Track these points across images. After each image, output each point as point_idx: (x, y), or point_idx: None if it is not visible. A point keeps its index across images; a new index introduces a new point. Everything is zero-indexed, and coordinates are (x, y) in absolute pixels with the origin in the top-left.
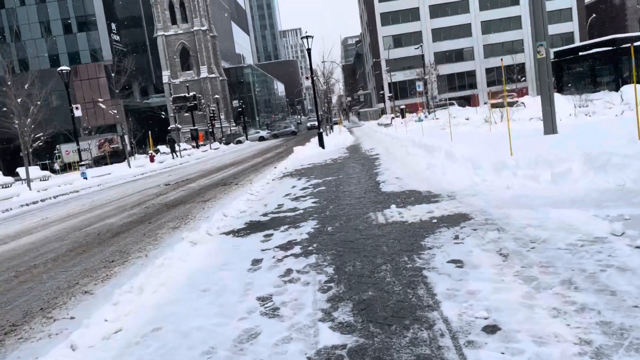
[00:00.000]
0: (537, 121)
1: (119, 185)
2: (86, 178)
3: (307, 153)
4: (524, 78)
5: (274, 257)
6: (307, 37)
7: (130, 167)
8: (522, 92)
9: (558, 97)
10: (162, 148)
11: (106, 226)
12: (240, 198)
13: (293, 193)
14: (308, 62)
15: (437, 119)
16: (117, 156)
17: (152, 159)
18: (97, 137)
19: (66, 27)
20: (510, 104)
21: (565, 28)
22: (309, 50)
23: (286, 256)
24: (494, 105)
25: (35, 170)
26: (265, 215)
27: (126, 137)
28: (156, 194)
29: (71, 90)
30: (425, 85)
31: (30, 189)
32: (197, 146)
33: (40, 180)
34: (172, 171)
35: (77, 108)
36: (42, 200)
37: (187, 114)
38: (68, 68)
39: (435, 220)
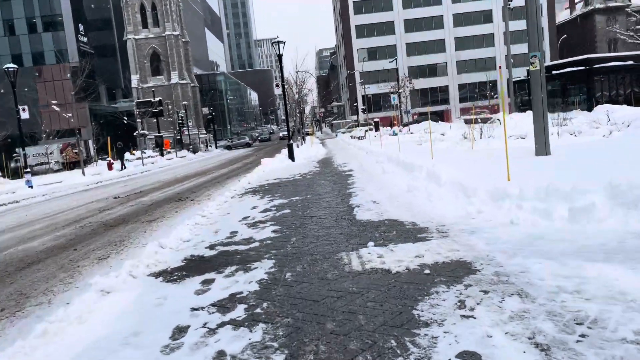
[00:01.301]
0: (518, 140)
1: (66, 196)
2: (31, 187)
3: (275, 166)
4: (496, 95)
5: (205, 325)
6: (278, 42)
7: (84, 175)
8: (495, 109)
9: (531, 115)
10: (126, 155)
11: (21, 252)
12: (188, 221)
13: (252, 216)
14: (280, 70)
15: (411, 133)
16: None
17: (110, 167)
18: (58, 142)
19: (31, 26)
20: (484, 120)
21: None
22: (280, 56)
23: (223, 324)
24: (468, 122)
25: None
26: (212, 247)
27: (90, 142)
28: (100, 209)
29: (33, 91)
30: (399, 99)
31: None
32: (162, 154)
33: None
34: (130, 181)
35: (23, 110)
36: None
37: (154, 120)
38: (15, 66)
39: (428, 272)
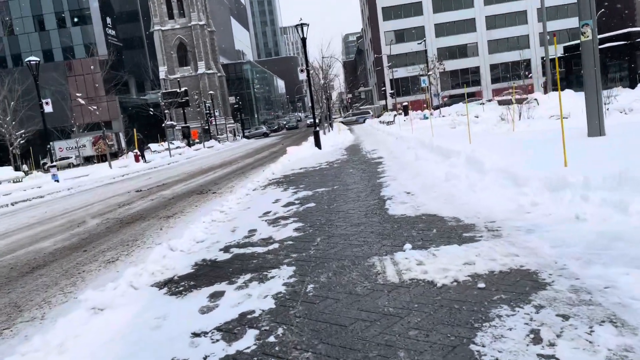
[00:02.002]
0: (559, 119)
1: (90, 190)
2: (57, 181)
3: (301, 154)
4: (530, 74)
5: None
6: (301, 25)
7: (111, 167)
8: (529, 89)
9: (571, 94)
10: (154, 146)
11: (30, 254)
12: (205, 218)
13: (273, 211)
14: (304, 54)
15: (443, 116)
16: (113, 155)
17: (137, 159)
18: (89, 135)
19: (60, 21)
20: (519, 101)
21: (572, 23)
22: (303, 39)
23: (226, 358)
24: (502, 103)
25: (7, 172)
26: (226, 249)
27: (121, 134)
28: (120, 204)
29: (66, 85)
30: (429, 81)
31: None
32: (190, 144)
33: (13, 182)
34: (155, 173)
35: (47, 103)
36: None
37: (181, 110)
38: (37, 59)
39: (482, 285)
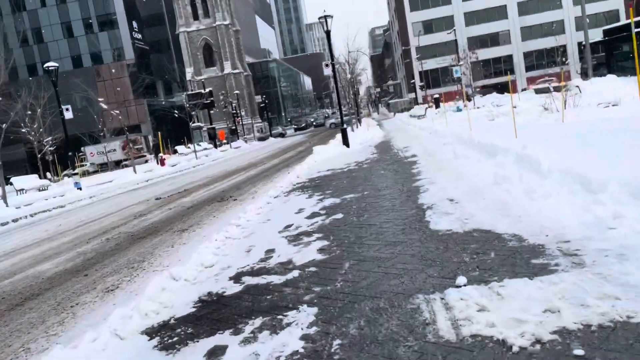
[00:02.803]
0: (608, 107)
1: (111, 197)
2: (80, 188)
3: (328, 154)
4: (567, 61)
5: None
6: (325, 17)
7: (136, 172)
8: (565, 76)
9: (614, 79)
10: (180, 149)
11: (29, 279)
12: (217, 236)
13: (295, 224)
14: (329, 48)
15: (478, 107)
16: (141, 157)
17: (162, 163)
18: (117, 139)
19: (87, 27)
20: (558, 89)
21: (608, 5)
22: (328, 32)
23: None
24: (539, 91)
25: (33, 180)
26: (237, 278)
27: (150, 137)
28: (136, 215)
29: (92, 91)
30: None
31: (7, 205)
32: (216, 146)
33: (39, 190)
34: (179, 177)
35: (67, 110)
36: (14, 221)
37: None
38: (56, 64)
39: (579, 352)
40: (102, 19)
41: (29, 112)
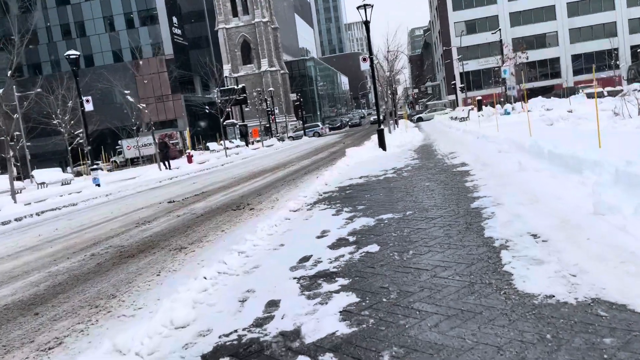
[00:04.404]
0: None
1: (127, 197)
2: (99, 185)
3: (362, 157)
4: (620, 65)
5: None
6: (365, 6)
7: (160, 169)
8: (617, 81)
9: None
10: (212, 145)
11: None
12: (210, 271)
13: (315, 257)
14: (367, 42)
15: (529, 111)
16: (179, 153)
17: (189, 160)
18: (157, 133)
19: (129, 22)
20: (613, 93)
21: None
22: (367, 23)
23: None
24: (590, 96)
25: (55, 173)
26: (214, 356)
27: (186, 132)
28: (139, 222)
29: (133, 85)
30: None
31: (14, 202)
32: (247, 143)
33: (62, 184)
34: (204, 176)
35: (87, 101)
36: (17, 220)
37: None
38: (77, 53)
39: None
40: (143, 14)
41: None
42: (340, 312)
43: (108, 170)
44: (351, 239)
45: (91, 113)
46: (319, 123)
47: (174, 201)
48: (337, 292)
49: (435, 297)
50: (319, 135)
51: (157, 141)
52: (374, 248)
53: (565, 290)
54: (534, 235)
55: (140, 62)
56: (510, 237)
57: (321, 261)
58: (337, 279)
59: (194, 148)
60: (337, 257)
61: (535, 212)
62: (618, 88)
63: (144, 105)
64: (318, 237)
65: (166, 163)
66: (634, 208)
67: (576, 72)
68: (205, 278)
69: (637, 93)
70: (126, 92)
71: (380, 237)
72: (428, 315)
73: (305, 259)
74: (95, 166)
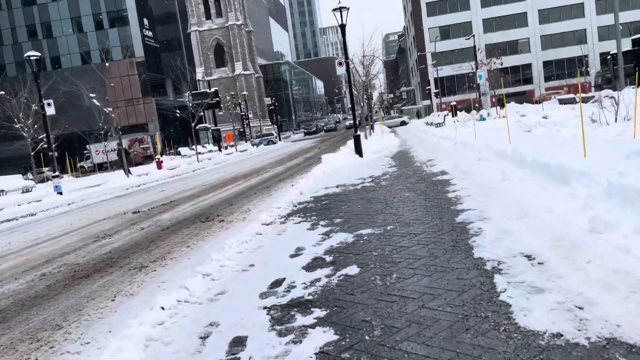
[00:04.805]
0: None
1: (90, 206)
2: (61, 193)
3: (338, 164)
4: (590, 71)
5: None
6: (340, 8)
7: (128, 175)
8: (587, 87)
9: None
10: (184, 150)
11: None
12: (170, 300)
13: (288, 281)
14: (343, 46)
15: (504, 117)
16: (149, 158)
17: (159, 165)
18: (127, 137)
19: (97, 23)
20: (585, 100)
21: (634, 16)
22: (342, 26)
23: None
24: (563, 102)
25: (14, 181)
26: None
27: (157, 135)
28: (100, 235)
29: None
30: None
31: None
32: (220, 148)
33: (22, 192)
34: (174, 183)
35: (48, 104)
36: None
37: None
38: (37, 54)
39: None
40: (112, 15)
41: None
42: (316, 353)
43: (75, 177)
44: (328, 258)
45: (56, 117)
46: (273, 132)
47: (139, 211)
48: (312, 326)
49: (425, 334)
50: (274, 143)
51: (117, 146)
52: (353, 270)
53: (574, 327)
54: (528, 257)
55: (107, 65)
56: (502, 259)
57: (295, 286)
58: (312, 309)
59: (162, 153)
60: (312, 281)
61: (525, 228)
62: (590, 94)
63: (111, 109)
64: (292, 256)
65: (127, 171)
66: (635, 226)
67: (547, 79)
68: (162, 308)
69: (610, 99)
70: (92, 95)
71: (359, 256)
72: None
73: (278, 283)
74: (56, 174)
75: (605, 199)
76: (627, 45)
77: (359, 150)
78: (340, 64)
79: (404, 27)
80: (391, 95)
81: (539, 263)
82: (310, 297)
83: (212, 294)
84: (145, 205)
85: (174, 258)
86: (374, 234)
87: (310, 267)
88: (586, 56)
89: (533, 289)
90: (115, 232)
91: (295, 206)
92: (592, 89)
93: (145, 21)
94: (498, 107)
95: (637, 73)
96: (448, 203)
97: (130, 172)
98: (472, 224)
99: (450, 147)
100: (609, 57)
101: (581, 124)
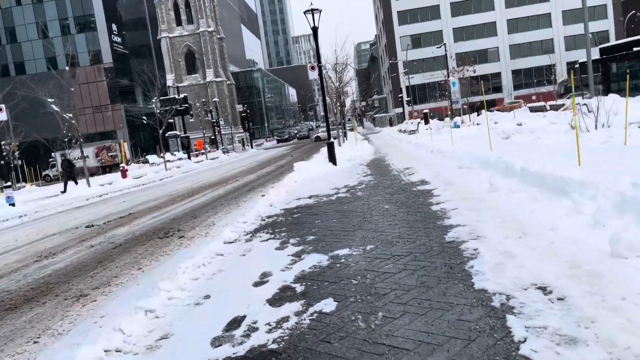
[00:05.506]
0: None
1: (43, 219)
2: (13, 204)
3: (311, 172)
4: (561, 79)
5: None
6: (312, 10)
7: (90, 185)
8: (547, 97)
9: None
10: (152, 158)
11: None
12: (107, 342)
13: (248, 322)
14: (316, 49)
15: (478, 124)
16: (116, 166)
17: (124, 174)
18: (94, 145)
19: (64, 28)
20: (555, 107)
21: (598, 26)
22: (314, 29)
23: None
24: (533, 110)
25: None
26: None
27: (126, 144)
28: (43, 254)
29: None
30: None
31: None
32: (190, 156)
33: None
34: (138, 192)
35: (0, 110)
36: None
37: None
38: None
39: None
40: (80, 20)
41: None
42: None
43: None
44: (299, 288)
45: (16, 124)
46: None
47: (93, 225)
48: None
49: None
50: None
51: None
52: (329, 305)
53: None
54: (543, 289)
55: (73, 70)
56: (510, 292)
57: (257, 328)
58: None
59: (129, 162)
60: (279, 321)
61: (529, 249)
62: (560, 102)
63: (71, 115)
64: (256, 284)
65: (73, 182)
66: None
67: (517, 87)
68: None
69: (585, 107)
70: (50, 100)
71: (336, 285)
72: None
73: (236, 323)
74: (7, 184)
75: (619, 215)
76: (595, 54)
77: (332, 159)
78: (312, 68)
79: (376, 35)
80: (364, 103)
81: (558, 299)
82: (274, 346)
83: (152, 338)
84: (102, 218)
85: (120, 284)
86: (352, 255)
87: (276, 301)
88: (554, 65)
89: (562, 339)
90: (62, 250)
91: (264, 220)
92: (556, 97)
93: (114, 27)
94: (470, 115)
95: (627, 79)
96: (433, 217)
97: (75, 184)
98: (464, 243)
99: (427, 155)
100: (576, 65)
101: (576, 131)
